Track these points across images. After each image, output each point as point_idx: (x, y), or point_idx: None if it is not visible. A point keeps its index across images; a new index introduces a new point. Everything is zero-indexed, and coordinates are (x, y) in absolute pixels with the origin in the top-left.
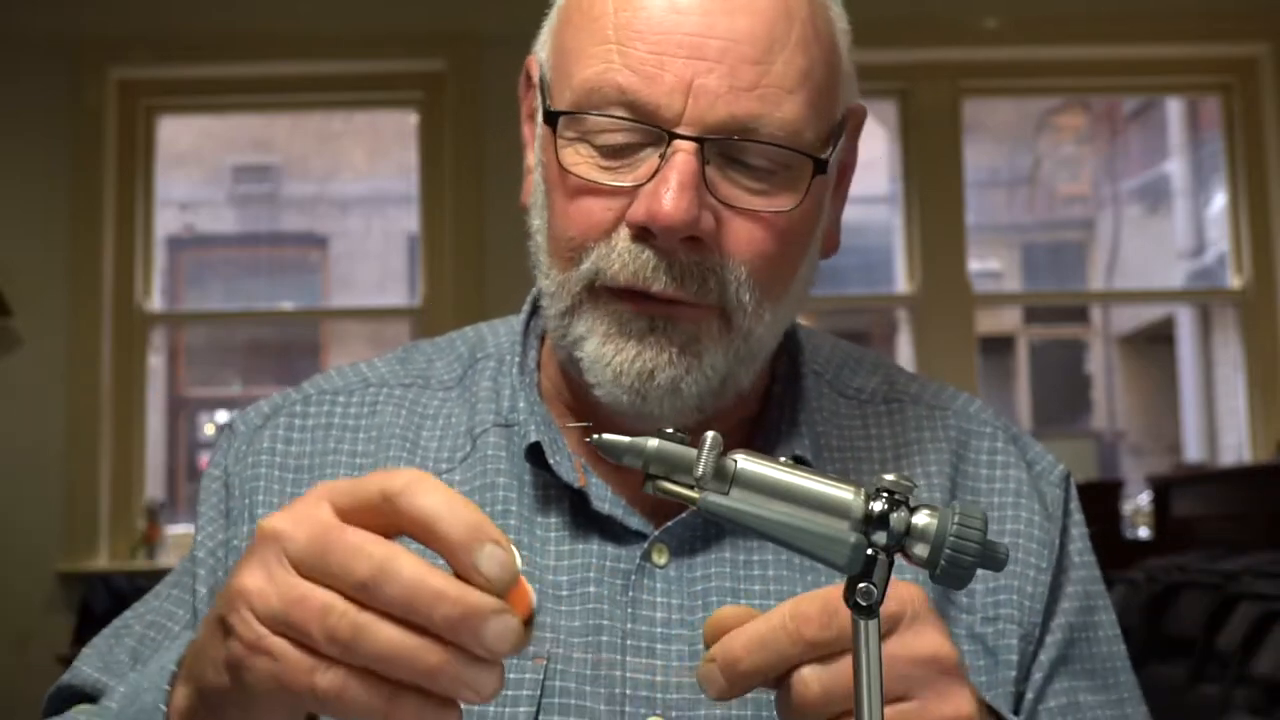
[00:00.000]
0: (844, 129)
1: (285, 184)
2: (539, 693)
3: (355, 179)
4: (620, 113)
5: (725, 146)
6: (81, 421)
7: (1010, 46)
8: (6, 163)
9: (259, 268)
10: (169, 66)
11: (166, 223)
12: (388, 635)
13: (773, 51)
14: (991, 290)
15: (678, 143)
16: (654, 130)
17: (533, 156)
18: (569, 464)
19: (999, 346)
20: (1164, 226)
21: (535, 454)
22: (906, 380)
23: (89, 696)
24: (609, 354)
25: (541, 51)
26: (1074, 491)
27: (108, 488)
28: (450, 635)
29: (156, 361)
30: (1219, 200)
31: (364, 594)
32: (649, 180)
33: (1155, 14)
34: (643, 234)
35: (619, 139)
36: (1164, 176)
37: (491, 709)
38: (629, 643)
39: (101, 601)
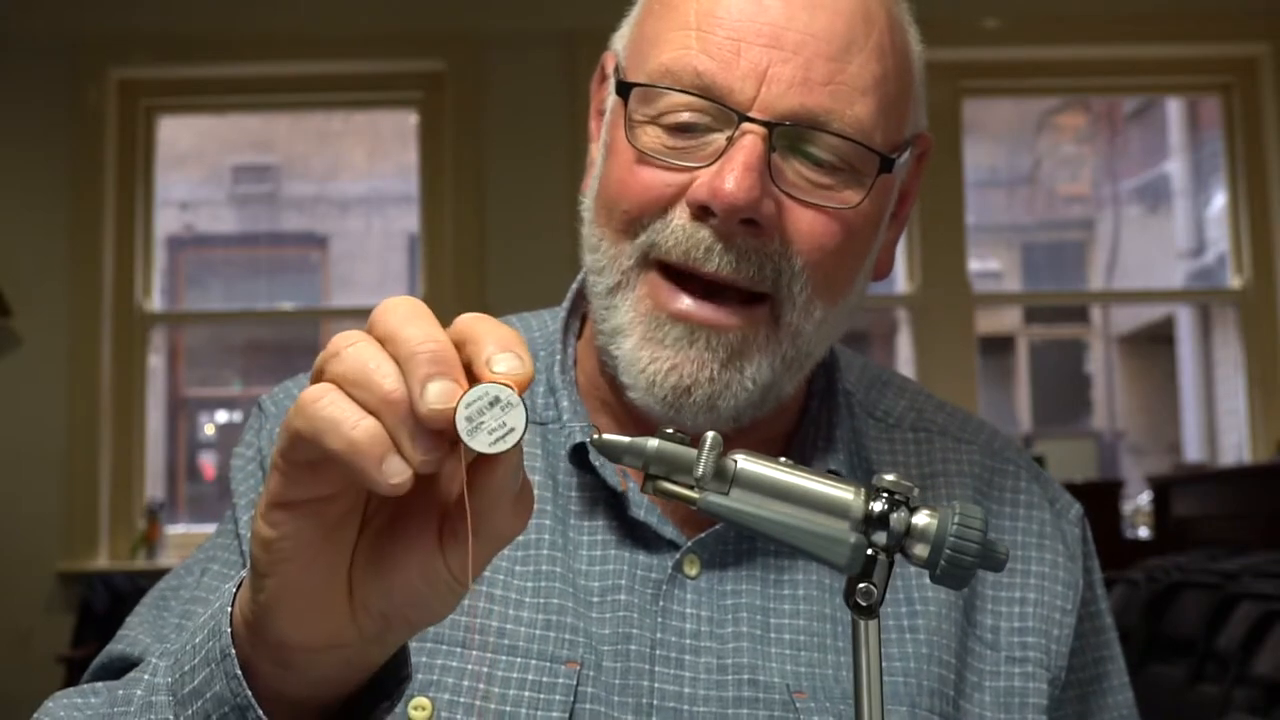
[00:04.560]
0: (909, 150)
1: (285, 184)
2: (572, 698)
3: (355, 179)
4: (694, 94)
5: (794, 137)
6: (81, 421)
7: (1010, 46)
8: (6, 163)
9: (259, 268)
10: (169, 66)
11: (166, 223)
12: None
13: (850, 51)
14: (991, 290)
15: (746, 125)
16: (724, 112)
17: (596, 150)
18: (611, 467)
19: (999, 346)
20: (1164, 226)
21: (577, 455)
22: (934, 409)
23: None
24: (644, 359)
25: (619, 43)
26: (1089, 532)
27: (108, 488)
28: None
29: (156, 361)
30: (1219, 200)
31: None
32: (714, 161)
33: (1155, 14)
34: (702, 214)
35: (689, 118)
36: (1164, 176)
37: (524, 710)
38: (658, 652)
39: (101, 601)
